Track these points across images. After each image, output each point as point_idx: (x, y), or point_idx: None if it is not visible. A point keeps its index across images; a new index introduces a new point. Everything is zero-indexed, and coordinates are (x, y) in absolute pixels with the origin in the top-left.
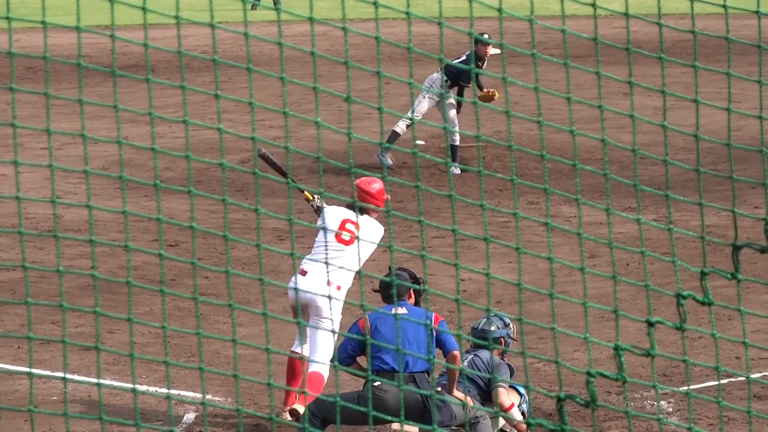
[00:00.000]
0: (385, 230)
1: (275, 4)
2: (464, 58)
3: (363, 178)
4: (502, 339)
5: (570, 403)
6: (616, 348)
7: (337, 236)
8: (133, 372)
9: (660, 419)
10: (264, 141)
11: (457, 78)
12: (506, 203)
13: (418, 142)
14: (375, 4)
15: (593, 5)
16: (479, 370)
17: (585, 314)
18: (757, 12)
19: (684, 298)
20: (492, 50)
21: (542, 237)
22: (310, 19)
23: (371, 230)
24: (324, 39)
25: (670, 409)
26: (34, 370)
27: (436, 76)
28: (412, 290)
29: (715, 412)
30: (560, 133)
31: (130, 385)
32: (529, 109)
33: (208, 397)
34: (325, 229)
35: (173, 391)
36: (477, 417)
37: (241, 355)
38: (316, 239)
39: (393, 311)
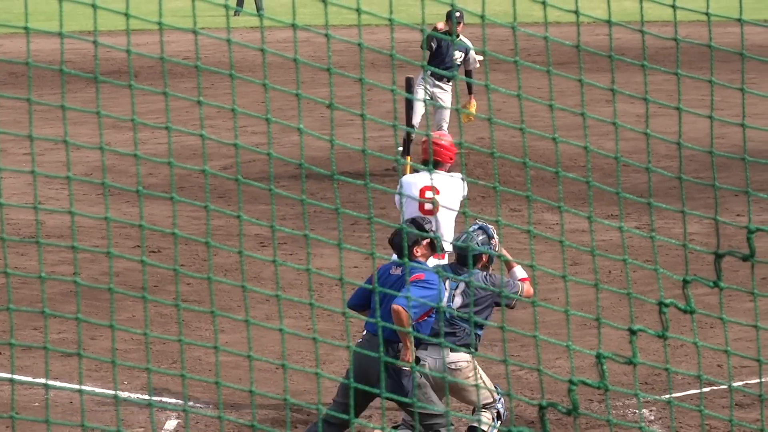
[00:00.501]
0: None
1: (258, 10)
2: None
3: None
4: (483, 256)
5: (552, 411)
6: (598, 356)
7: (420, 208)
8: (115, 378)
9: (642, 427)
10: (246, 147)
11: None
12: (489, 210)
13: (401, 149)
14: (358, 10)
15: (576, 12)
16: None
17: (567, 322)
18: (739, 20)
19: (666, 306)
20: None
21: (524, 244)
22: (293, 26)
23: (451, 187)
24: (307, 45)
25: (652, 417)
26: (15, 377)
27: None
28: (425, 242)
29: (697, 420)
30: (543, 141)
31: (111, 392)
32: (512, 116)
33: (190, 403)
34: (406, 199)
35: (155, 398)
36: (437, 423)
37: (223, 361)
38: (403, 213)
39: (392, 270)
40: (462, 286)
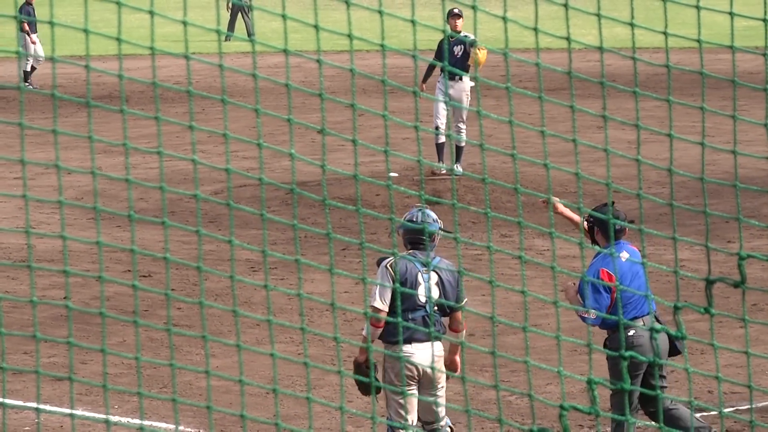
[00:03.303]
0: None
1: (249, 35)
2: (441, 41)
3: None
4: (436, 235)
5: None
6: (589, 381)
7: None
8: (107, 402)
9: None
10: (238, 172)
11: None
12: (479, 236)
13: (392, 174)
14: (350, 36)
15: (567, 39)
16: (450, 287)
17: (558, 347)
18: (731, 47)
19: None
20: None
21: (515, 270)
22: (285, 51)
23: None
24: (298, 70)
25: None
26: (6, 401)
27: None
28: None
29: None
30: (534, 166)
31: (103, 416)
32: (503, 142)
33: (180, 428)
34: None
35: (146, 422)
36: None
37: (214, 386)
38: None
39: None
40: (436, 277)
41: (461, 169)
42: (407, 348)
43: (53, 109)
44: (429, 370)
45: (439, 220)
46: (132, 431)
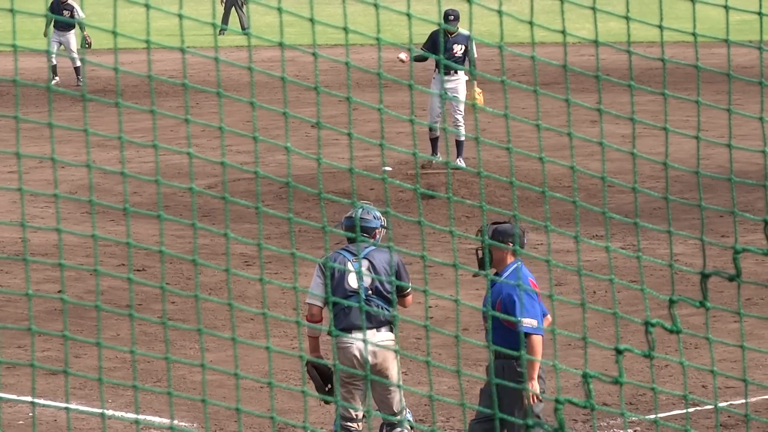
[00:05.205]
0: None
1: (243, 29)
2: (434, 32)
3: None
4: (377, 230)
5: (537, 430)
6: (585, 375)
7: None
8: (102, 396)
9: None
10: (233, 166)
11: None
12: (474, 230)
13: (386, 168)
14: (345, 29)
15: (563, 32)
16: (384, 271)
17: (553, 341)
18: (726, 40)
19: (652, 326)
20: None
21: None
22: (280, 44)
23: None
24: (292, 65)
25: None
26: (0, 394)
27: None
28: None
29: None
30: (528, 160)
31: (98, 410)
32: (497, 136)
33: (175, 422)
34: None
35: (140, 416)
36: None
37: (208, 380)
38: None
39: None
40: (366, 263)
41: (463, 164)
42: (346, 338)
43: (49, 102)
44: (371, 358)
45: (381, 217)
46: (126, 425)
